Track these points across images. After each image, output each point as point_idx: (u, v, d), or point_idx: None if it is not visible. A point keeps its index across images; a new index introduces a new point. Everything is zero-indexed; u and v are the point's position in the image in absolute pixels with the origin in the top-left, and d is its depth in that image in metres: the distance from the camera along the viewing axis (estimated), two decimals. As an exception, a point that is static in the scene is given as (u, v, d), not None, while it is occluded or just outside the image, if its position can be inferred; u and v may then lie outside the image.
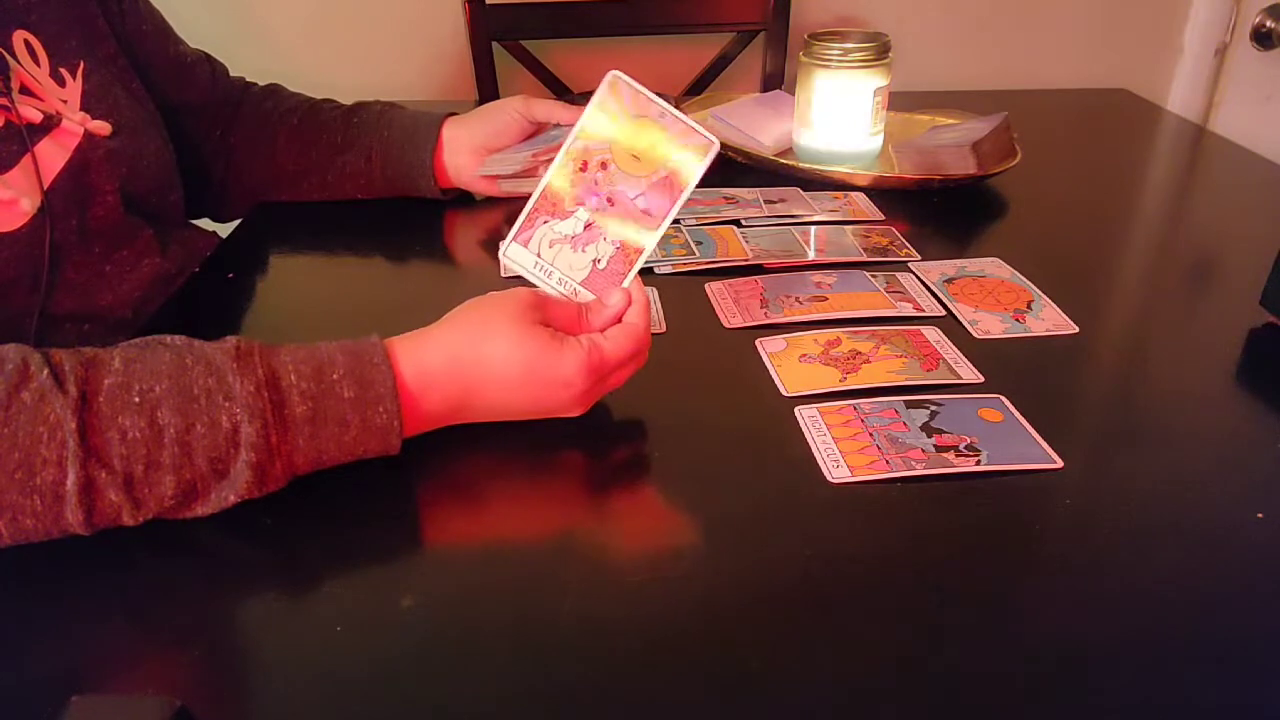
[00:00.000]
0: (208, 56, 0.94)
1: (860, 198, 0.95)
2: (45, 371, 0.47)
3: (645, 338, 0.58)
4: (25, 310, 0.68)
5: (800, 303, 0.73)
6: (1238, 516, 0.52)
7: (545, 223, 0.59)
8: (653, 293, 0.75)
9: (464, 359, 0.55)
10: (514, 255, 0.60)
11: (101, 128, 0.73)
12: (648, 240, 0.58)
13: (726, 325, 0.71)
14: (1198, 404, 0.64)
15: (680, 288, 0.77)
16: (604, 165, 0.58)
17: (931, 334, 0.69)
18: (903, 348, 0.67)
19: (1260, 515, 0.52)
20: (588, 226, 0.59)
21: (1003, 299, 0.75)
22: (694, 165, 0.58)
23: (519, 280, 0.60)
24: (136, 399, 0.48)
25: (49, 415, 0.46)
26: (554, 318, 0.57)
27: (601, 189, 0.59)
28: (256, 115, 0.94)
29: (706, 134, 0.57)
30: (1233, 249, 0.88)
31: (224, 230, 0.93)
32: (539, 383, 0.56)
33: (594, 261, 0.59)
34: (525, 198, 0.98)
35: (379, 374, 0.52)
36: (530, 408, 0.57)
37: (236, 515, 0.51)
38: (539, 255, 0.59)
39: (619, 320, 0.59)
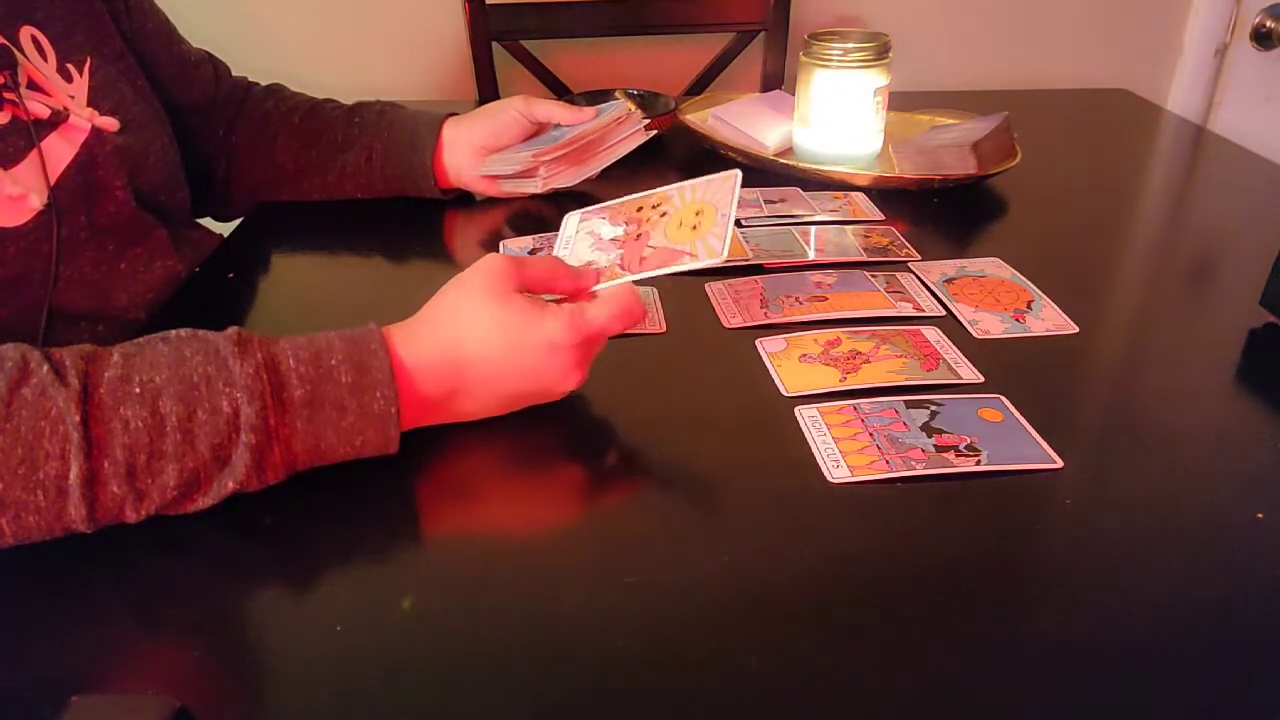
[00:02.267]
0: (210, 56, 0.94)
1: (860, 198, 0.95)
2: (45, 367, 0.47)
3: (631, 302, 0.57)
4: (35, 306, 0.68)
5: (800, 303, 0.73)
6: (1238, 516, 0.52)
7: (603, 217, 0.66)
8: (653, 293, 0.76)
9: (450, 339, 0.55)
10: (569, 219, 0.67)
11: (110, 124, 0.73)
12: (626, 276, 0.61)
13: (726, 325, 0.71)
14: (1198, 404, 0.64)
15: (680, 288, 0.77)
16: (664, 214, 0.63)
17: (931, 334, 0.69)
18: (903, 348, 0.67)
19: (1260, 515, 0.52)
20: (614, 240, 0.63)
21: (1003, 299, 0.75)
22: (696, 257, 0.60)
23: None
24: (137, 389, 0.48)
25: (50, 410, 0.46)
26: (529, 278, 0.57)
27: (643, 226, 0.63)
28: (258, 115, 0.94)
29: (726, 245, 0.59)
30: (1233, 249, 0.88)
31: (225, 229, 0.93)
32: (524, 350, 0.56)
33: (591, 263, 0.62)
34: (525, 198, 0.99)
35: (376, 360, 0.52)
36: (524, 381, 0.57)
37: (237, 515, 0.51)
38: (577, 231, 0.65)
39: (584, 287, 0.60)
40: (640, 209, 0.65)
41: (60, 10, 0.73)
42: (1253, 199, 1.01)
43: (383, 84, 1.40)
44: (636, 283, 0.60)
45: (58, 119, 0.69)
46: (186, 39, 0.91)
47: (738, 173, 0.62)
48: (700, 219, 0.61)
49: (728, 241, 0.59)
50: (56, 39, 0.72)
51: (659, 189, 0.66)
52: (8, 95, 0.66)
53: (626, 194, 0.67)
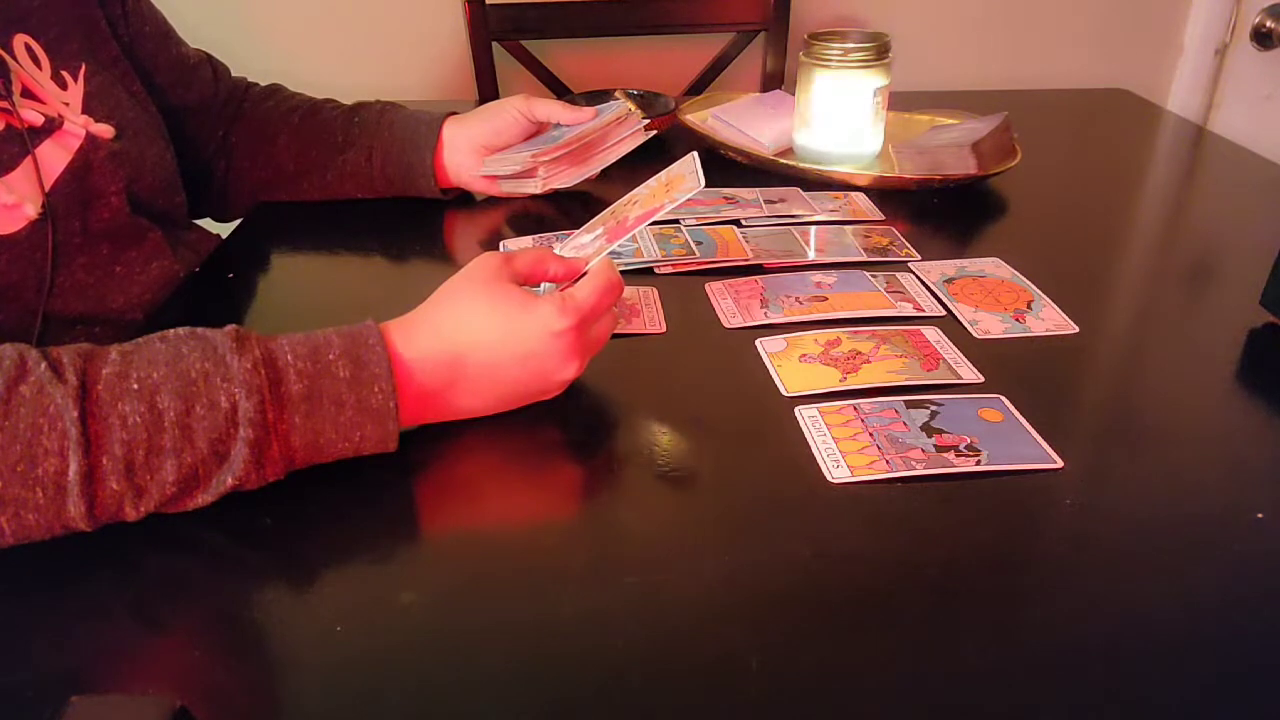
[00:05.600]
0: (209, 57, 0.94)
1: (860, 198, 0.95)
2: (43, 365, 0.47)
3: (613, 277, 0.59)
4: (30, 311, 0.68)
5: (800, 303, 0.73)
6: (1238, 516, 0.52)
7: (582, 233, 0.67)
8: (652, 293, 0.76)
9: (448, 331, 0.56)
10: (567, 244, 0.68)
11: (105, 130, 0.73)
12: (612, 245, 0.63)
13: (726, 325, 0.71)
14: (1198, 404, 0.64)
15: (680, 288, 0.77)
16: (637, 202, 0.65)
17: (931, 334, 0.69)
18: (903, 348, 0.67)
19: (1260, 515, 0.52)
20: (595, 237, 0.65)
21: (1003, 299, 0.75)
22: (676, 200, 0.63)
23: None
24: (135, 385, 0.48)
25: (49, 407, 0.46)
26: (520, 269, 0.59)
27: (619, 215, 0.66)
28: (258, 115, 0.94)
29: (700, 176, 0.62)
30: (1233, 249, 0.88)
31: (225, 230, 0.93)
32: (521, 336, 0.56)
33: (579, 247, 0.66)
34: (525, 198, 0.99)
35: (374, 355, 0.52)
36: (523, 369, 0.57)
37: (237, 515, 0.51)
38: (564, 247, 0.67)
39: (575, 269, 0.62)
40: (614, 212, 0.67)
41: (55, 17, 0.73)
42: (1253, 199, 1.01)
43: (383, 84, 1.40)
44: (633, 250, 0.62)
45: (52, 126, 0.69)
46: (186, 40, 0.91)
47: (693, 152, 0.65)
48: (671, 186, 0.64)
49: (700, 173, 0.62)
50: (51, 46, 0.72)
51: (628, 194, 0.69)
52: (1, 103, 0.66)
53: (624, 194, 0.68)
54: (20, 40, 0.70)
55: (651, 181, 0.67)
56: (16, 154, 0.66)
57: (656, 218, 0.62)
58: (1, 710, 0.42)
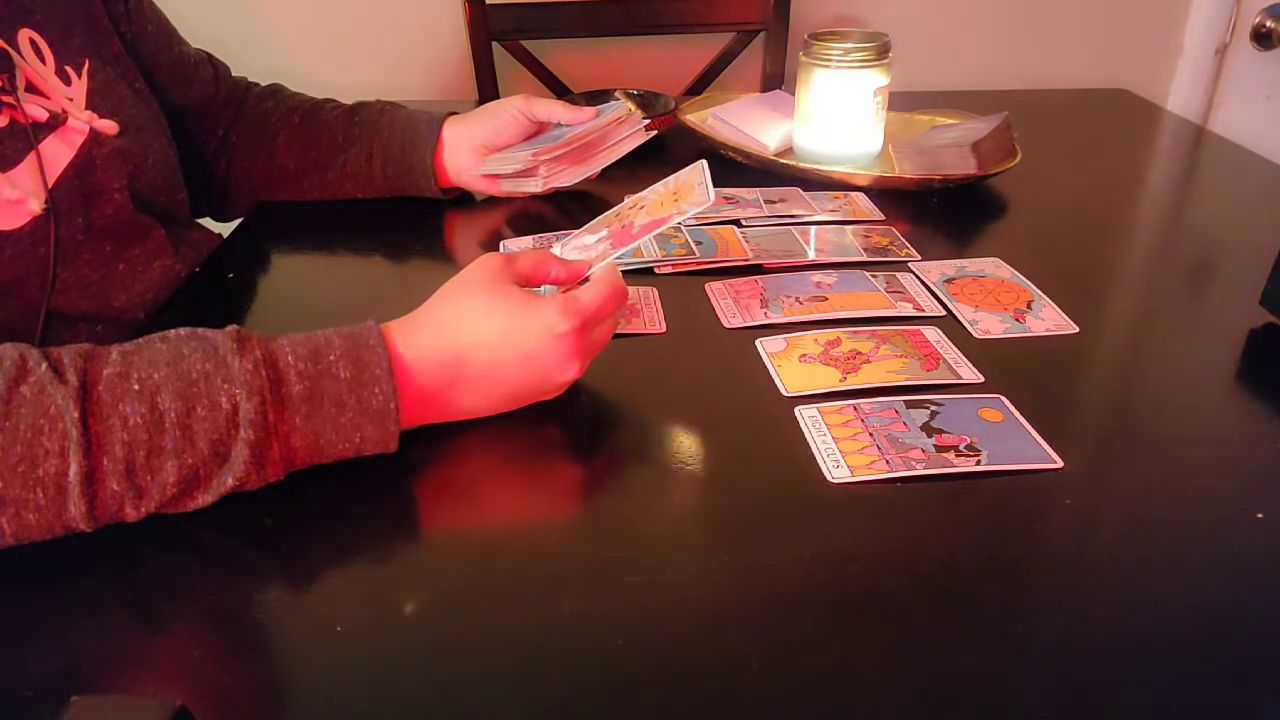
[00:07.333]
0: (210, 57, 0.94)
1: (860, 198, 0.95)
2: (44, 365, 0.47)
3: (618, 283, 0.59)
4: (33, 308, 0.68)
5: (800, 303, 0.73)
6: (1238, 516, 0.52)
7: (585, 233, 0.67)
8: (652, 293, 0.76)
9: (449, 332, 0.55)
10: (554, 249, 0.68)
11: (109, 126, 0.73)
12: (618, 251, 0.63)
13: (726, 325, 0.71)
14: (1198, 404, 0.64)
15: (680, 288, 0.77)
16: (643, 207, 0.65)
17: (931, 334, 0.69)
18: (903, 348, 0.67)
19: (1260, 515, 0.52)
20: (599, 240, 0.65)
21: (1003, 299, 0.75)
22: (684, 212, 0.62)
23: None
24: (136, 386, 0.48)
25: (49, 407, 0.46)
26: (522, 271, 0.60)
27: (624, 219, 0.66)
28: (258, 115, 0.94)
29: (711, 191, 0.63)
30: (1233, 249, 0.88)
31: (224, 229, 0.93)
32: (522, 335, 0.56)
33: (581, 249, 0.66)
34: (525, 197, 0.99)
35: (375, 355, 0.52)
36: (523, 369, 0.57)
37: (237, 515, 0.51)
38: (562, 250, 0.67)
39: (578, 273, 0.62)
40: (619, 214, 0.67)
41: (59, 13, 0.73)
42: (1253, 199, 1.01)
43: (383, 84, 1.40)
44: (631, 251, 0.63)
45: (56, 121, 0.69)
46: (186, 39, 0.91)
47: (703, 160, 0.65)
48: (679, 195, 0.64)
49: (711, 188, 0.62)
50: (55, 41, 0.72)
51: (633, 196, 0.68)
52: (5, 98, 0.66)
53: (625, 194, 0.68)
54: (25, 35, 0.70)
55: (659, 186, 0.67)
56: (20, 149, 0.66)
57: (663, 229, 0.62)
58: (1, 710, 0.42)
